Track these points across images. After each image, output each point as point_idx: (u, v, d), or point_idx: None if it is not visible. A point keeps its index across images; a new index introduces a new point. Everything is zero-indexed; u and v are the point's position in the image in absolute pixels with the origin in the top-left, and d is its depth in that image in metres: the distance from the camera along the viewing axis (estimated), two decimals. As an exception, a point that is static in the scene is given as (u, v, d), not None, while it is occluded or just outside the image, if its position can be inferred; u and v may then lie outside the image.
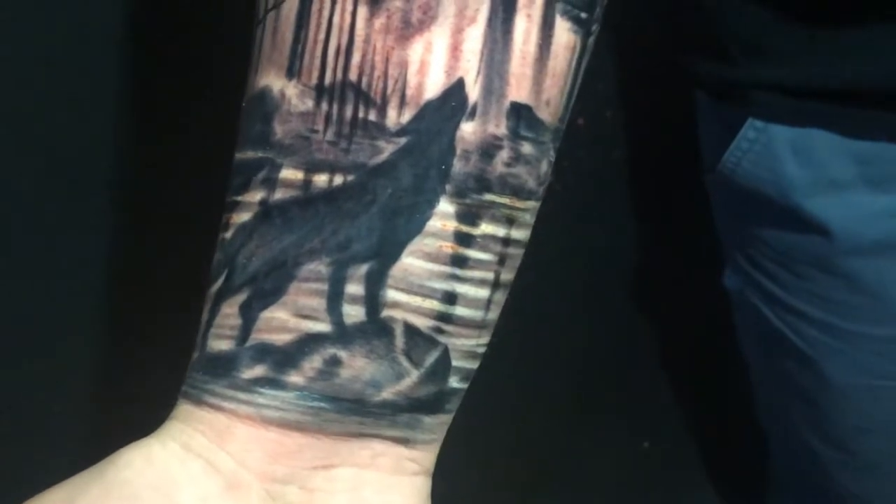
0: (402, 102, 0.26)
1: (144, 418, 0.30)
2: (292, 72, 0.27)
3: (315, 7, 0.26)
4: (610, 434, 0.89)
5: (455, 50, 0.26)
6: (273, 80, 0.27)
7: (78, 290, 0.53)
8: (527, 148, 0.27)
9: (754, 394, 0.72)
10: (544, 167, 0.28)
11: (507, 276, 0.28)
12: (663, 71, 0.66)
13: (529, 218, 0.29)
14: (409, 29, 0.26)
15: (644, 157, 0.80)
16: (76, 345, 0.54)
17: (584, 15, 0.27)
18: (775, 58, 0.53)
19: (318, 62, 0.26)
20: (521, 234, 0.28)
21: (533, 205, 0.28)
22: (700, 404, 0.92)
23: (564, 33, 0.27)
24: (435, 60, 0.26)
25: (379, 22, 0.26)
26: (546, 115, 0.27)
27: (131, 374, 0.55)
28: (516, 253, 0.28)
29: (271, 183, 0.27)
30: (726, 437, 0.91)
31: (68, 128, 0.50)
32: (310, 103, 0.26)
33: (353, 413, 0.27)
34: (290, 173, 0.26)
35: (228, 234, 0.28)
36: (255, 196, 0.27)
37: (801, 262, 0.57)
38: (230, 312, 0.27)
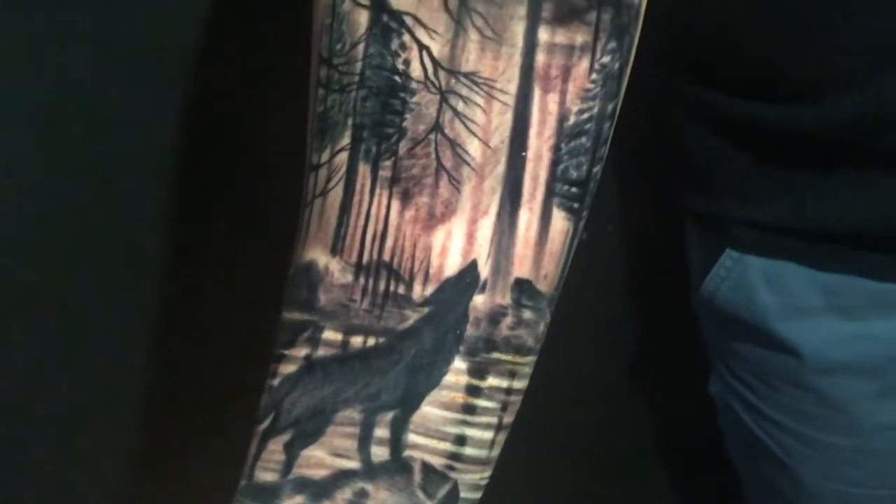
0: (426, 279, 0.31)
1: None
2: (335, 250, 0.32)
3: (356, 199, 0.32)
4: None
5: (470, 237, 0.32)
6: (319, 256, 0.32)
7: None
8: (527, 314, 0.33)
9: (741, 491, 0.76)
10: (541, 328, 0.34)
11: (508, 419, 0.34)
12: (661, 194, 0.72)
13: (528, 370, 0.34)
14: (433, 220, 0.31)
15: (641, 269, 0.86)
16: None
17: (576, 205, 0.33)
18: (751, 197, 0.58)
19: (357, 244, 0.32)
20: (520, 384, 0.34)
21: (532, 359, 0.34)
22: (692, 495, 0.96)
23: (560, 221, 0.33)
24: (454, 246, 0.31)
25: (409, 214, 0.31)
26: (544, 286, 0.33)
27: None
28: (517, 399, 0.34)
29: (314, 342, 0.32)
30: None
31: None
32: (349, 277, 0.32)
33: None
34: (330, 335, 0.32)
35: (276, 382, 0.33)
36: (300, 352, 0.32)
37: (776, 377, 0.62)
38: (275, 449, 0.32)
